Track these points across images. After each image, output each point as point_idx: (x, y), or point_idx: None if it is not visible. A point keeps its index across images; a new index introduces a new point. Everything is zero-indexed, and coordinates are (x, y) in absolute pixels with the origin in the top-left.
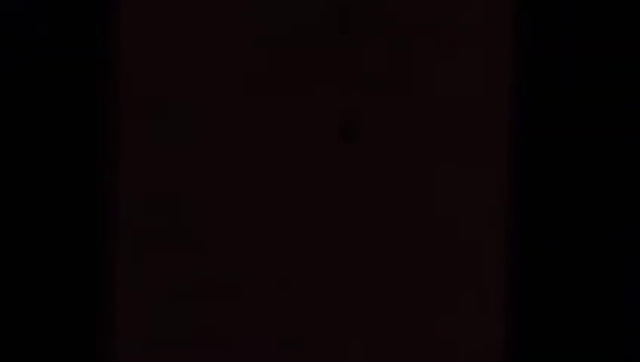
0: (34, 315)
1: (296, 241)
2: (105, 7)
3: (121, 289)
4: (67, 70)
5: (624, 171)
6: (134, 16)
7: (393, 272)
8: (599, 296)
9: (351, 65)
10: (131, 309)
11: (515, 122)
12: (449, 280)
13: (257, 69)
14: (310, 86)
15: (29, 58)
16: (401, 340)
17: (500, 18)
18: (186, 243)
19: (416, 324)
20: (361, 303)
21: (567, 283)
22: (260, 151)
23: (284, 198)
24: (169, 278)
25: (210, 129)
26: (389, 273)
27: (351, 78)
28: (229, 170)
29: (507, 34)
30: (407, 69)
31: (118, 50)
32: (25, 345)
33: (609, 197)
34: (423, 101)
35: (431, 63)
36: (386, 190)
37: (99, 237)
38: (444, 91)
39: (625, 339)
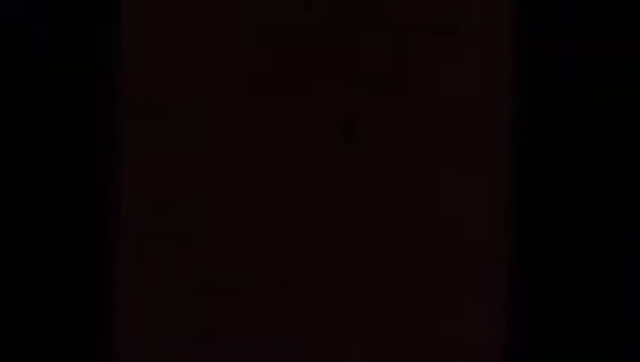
0: (34, 315)
1: (296, 241)
2: (105, 7)
3: (121, 289)
4: (67, 70)
5: (624, 171)
6: (135, 16)
7: (393, 272)
8: (599, 295)
9: (351, 65)
10: (131, 309)
11: (515, 122)
12: (449, 280)
13: (257, 69)
14: (310, 86)
15: (29, 58)
16: (401, 340)
17: (500, 18)
18: (186, 243)
19: (416, 324)
20: (361, 303)
21: (567, 283)
22: (260, 151)
23: (284, 198)
24: (169, 278)
25: (210, 129)
26: (389, 273)
27: (351, 78)
28: (229, 170)
29: (507, 34)
30: (407, 69)
31: (118, 50)
32: (25, 345)
33: (609, 197)
34: (423, 101)
35: (431, 63)
36: (385, 190)
37: (99, 237)
38: (444, 91)
39: (625, 339)
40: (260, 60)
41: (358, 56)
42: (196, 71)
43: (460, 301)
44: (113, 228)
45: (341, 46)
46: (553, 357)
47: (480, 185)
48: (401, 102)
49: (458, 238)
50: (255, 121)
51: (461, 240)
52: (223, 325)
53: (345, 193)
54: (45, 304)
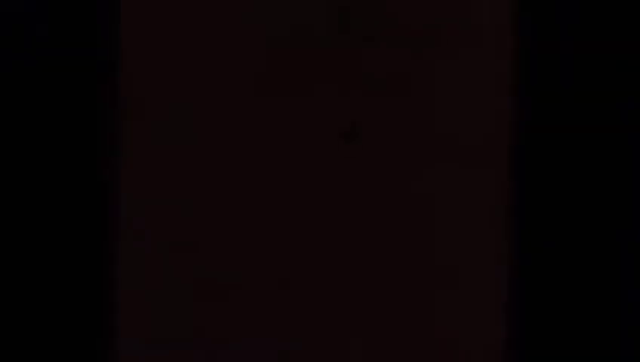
0: (35, 315)
1: (297, 241)
2: (105, 7)
3: (121, 289)
4: (67, 70)
5: (624, 171)
6: (135, 16)
7: (393, 272)
8: (599, 295)
9: (351, 65)
10: (131, 309)
11: (515, 122)
12: (449, 280)
13: (257, 69)
14: (310, 86)
15: (29, 58)
16: (401, 340)
17: (500, 18)
18: (186, 243)
19: (416, 324)
20: (361, 303)
21: (567, 282)
22: (260, 151)
23: (284, 198)
24: (169, 278)
25: (210, 129)
26: (388, 273)
27: (351, 78)
28: (229, 170)
29: (507, 34)
30: (407, 69)
31: (118, 51)
32: (26, 345)
33: (609, 197)
34: (423, 101)
35: (431, 63)
36: (386, 190)
37: (99, 237)
38: (444, 91)
39: (625, 339)
40: (260, 60)
41: (358, 56)
42: (196, 71)
43: (460, 301)
44: (113, 228)
45: (341, 46)
46: (553, 357)
47: (480, 185)
48: (401, 102)
49: (458, 238)
50: (255, 121)
51: (461, 240)
52: (223, 325)
53: (345, 193)
54: (45, 304)
